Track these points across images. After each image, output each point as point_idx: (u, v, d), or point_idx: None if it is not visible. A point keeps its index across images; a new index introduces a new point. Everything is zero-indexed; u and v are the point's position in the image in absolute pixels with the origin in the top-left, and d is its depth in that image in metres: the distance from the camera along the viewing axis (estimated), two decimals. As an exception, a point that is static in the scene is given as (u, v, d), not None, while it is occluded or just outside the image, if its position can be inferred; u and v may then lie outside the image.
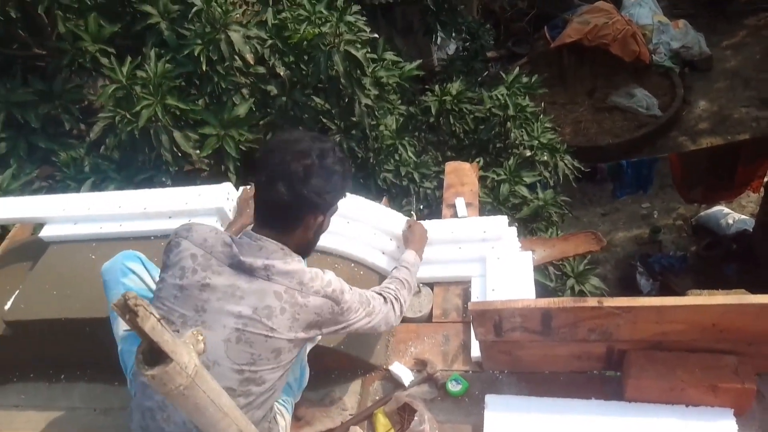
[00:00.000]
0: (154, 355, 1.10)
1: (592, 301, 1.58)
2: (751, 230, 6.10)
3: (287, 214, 1.50)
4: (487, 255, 2.12)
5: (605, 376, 1.81)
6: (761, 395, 1.66)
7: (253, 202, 1.57)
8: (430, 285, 2.20)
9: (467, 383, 1.87)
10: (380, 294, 1.73)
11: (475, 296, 2.07)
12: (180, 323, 1.47)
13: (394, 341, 2.07)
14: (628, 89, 7.74)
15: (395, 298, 1.75)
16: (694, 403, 1.60)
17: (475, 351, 1.91)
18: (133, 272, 1.76)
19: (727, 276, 5.81)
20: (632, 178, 6.45)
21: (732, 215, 6.36)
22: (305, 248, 1.61)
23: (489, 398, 1.79)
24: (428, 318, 2.12)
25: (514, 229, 2.21)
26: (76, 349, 2.05)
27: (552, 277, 3.86)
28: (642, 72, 7.89)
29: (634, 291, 6.05)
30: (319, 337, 1.67)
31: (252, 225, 1.61)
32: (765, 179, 6.11)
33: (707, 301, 1.48)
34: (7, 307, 2.07)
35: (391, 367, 1.98)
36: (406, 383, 1.94)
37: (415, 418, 1.76)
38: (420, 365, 1.99)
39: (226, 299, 1.46)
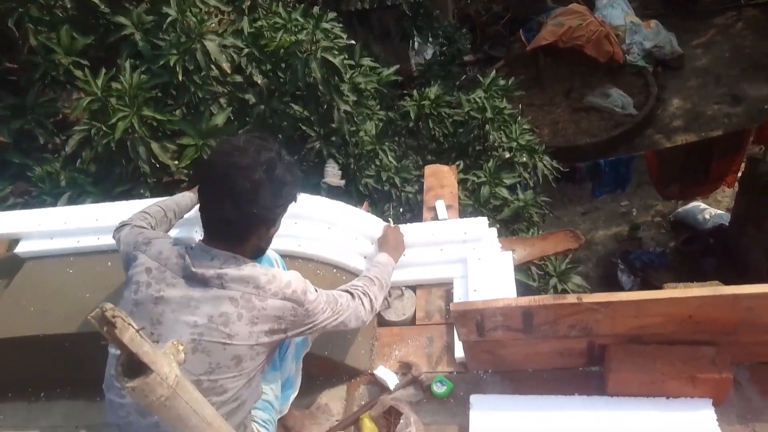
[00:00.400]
0: (134, 366, 1.09)
1: (571, 298, 1.60)
2: (728, 224, 6.22)
3: (237, 230, 1.47)
4: (468, 256, 2.13)
5: (588, 372, 1.83)
6: (738, 384, 1.69)
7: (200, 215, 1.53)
8: (413, 288, 2.21)
9: (452, 384, 1.88)
10: (347, 291, 1.72)
11: (458, 297, 2.08)
12: None
13: (379, 345, 2.08)
14: (604, 89, 7.87)
15: (363, 294, 1.73)
16: (674, 394, 1.63)
17: (459, 352, 1.92)
18: None
19: (706, 270, 5.90)
20: (610, 177, 6.54)
21: (709, 210, 6.48)
22: (259, 252, 1.61)
23: (474, 398, 1.80)
24: (412, 321, 2.13)
25: (494, 230, 2.23)
26: (55, 366, 2.02)
27: (535, 277, 3.90)
28: (616, 72, 8.04)
29: (616, 288, 6.12)
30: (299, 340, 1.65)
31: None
32: (738, 174, 6.23)
33: (683, 294, 1.51)
34: (-18, 325, 2.03)
35: (376, 372, 1.98)
36: (392, 387, 1.94)
37: (401, 421, 1.76)
38: (405, 368, 1.99)
39: (181, 310, 1.43)
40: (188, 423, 1.20)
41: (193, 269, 1.44)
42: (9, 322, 2.00)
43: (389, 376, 1.96)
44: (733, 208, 6.27)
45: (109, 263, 2.11)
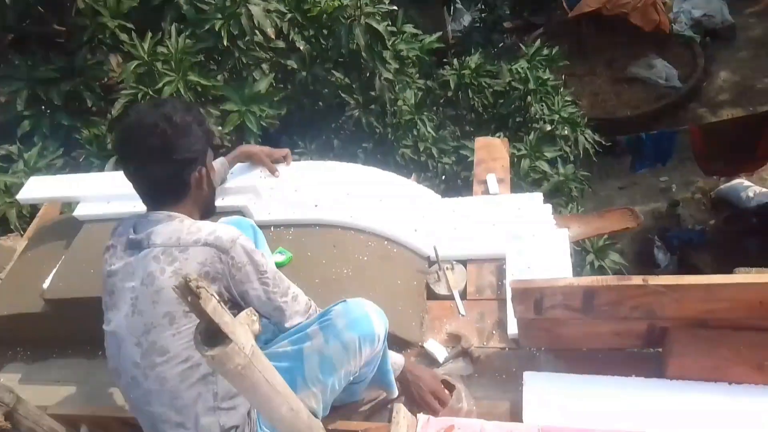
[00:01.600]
0: (212, 335, 1.10)
1: (636, 279, 1.56)
2: (773, 203, 6.02)
3: (172, 185, 1.52)
4: (522, 232, 2.10)
5: (644, 354, 1.80)
6: (805, 373, 1.65)
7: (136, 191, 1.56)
8: (463, 262, 2.19)
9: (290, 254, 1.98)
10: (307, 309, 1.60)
11: (510, 274, 2.05)
12: (104, 309, 1.54)
13: (429, 318, 2.08)
14: (648, 60, 7.58)
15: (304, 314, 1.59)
16: (738, 380, 1.60)
17: (512, 328, 1.91)
18: None
19: (748, 250, 5.75)
20: (651, 151, 6.36)
21: (753, 188, 6.27)
22: (207, 206, 1.64)
23: (527, 375, 1.79)
24: (462, 295, 2.12)
25: (549, 207, 2.19)
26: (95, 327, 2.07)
27: (572, 252, 3.85)
28: (662, 42, 7.72)
29: (652, 265, 6.02)
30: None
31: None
32: (788, 152, 6.00)
33: (757, 279, 1.47)
34: (45, 285, 2.09)
35: (425, 344, 1.98)
36: (441, 359, 1.95)
37: (453, 396, 1.77)
38: (454, 340, 1.99)
39: (125, 278, 1.48)
40: (260, 390, 1.22)
41: (130, 236, 1.49)
42: (70, 283, 2.05)
43: (438, 350, 1.96)
44: (779, 187, 6.06)
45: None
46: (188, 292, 1.02)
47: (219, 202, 2.04)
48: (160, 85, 3.00)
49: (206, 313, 1.04)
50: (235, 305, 1.52)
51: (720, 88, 7.56)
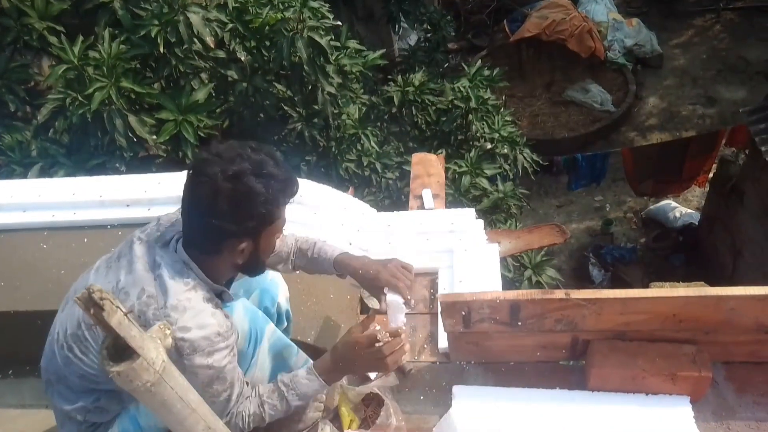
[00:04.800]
0: (119, 350, 1.05)
1: (559, 293, 1.60)
2: (697, 223, 6.38)
3: (201, 240, 1.38)
4: (455, 247, 2.12)
5: (569, 366, 1.85)
6: (714, 382, 1.73)
7: None
8: (397, 276, 2.18)
9: None
10: (260, 404, 1.50)
11: (443, 288, 2.07)
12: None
13: (361, 333, 2.05)
14: (584, 84, 7.95)
15: (259, 405, 1.50)
16: (654, 391, 1.65)
17: (443, 342, 1.91)
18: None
19: (675, 267, 6.07)
20: (587, 171, 6.64)
21: (679, 209, 6.63)
22: (246, 272, 1.51)
23: (456, 389, 1.80)
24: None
25: (481, 222, 2.22)
26: (25, 344, 1.94)
27: (510, 268, 3.94)
28: (597, 68, 8.12)
29: (587, 281, 6.25)
30: None
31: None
32: (710, 175, 6.39)
33: (669, 293, 1.53)
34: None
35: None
36: (372, 375, 1.93)
37: (382, 411, 1.75)
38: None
39: (121, 254, 1.45)
40: (172, 409, 1.16)
41: (164, 234, 1.43)
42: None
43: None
44: (703, 208, 6.43)
45: (86, 240, 2.04)
46: (91, 304, 0.96)
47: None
48: (90, 90, 2.88)
49: (111, 327, 0.98)
50: None
51: (649, 113, 8.00)
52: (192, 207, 1.35)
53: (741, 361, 1.76)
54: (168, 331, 1.15)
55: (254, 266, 1.50)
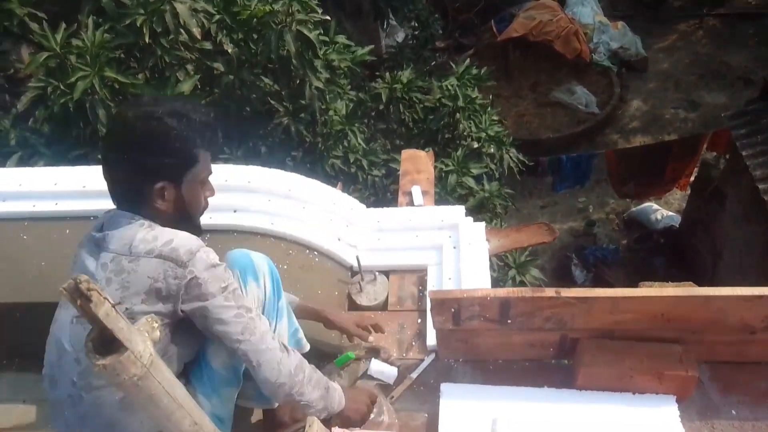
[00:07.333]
0: (106, 343, 1.01)
1: (549, 292, 1.60)
2: (678, 226, 6.47)
3: (125, 188, 1.34)
4: (444, 244, 2.12)
5: (557, 364, 1.85)
6: (699, 382, 1.74)
7: None
8: (386, 273, 2.17)
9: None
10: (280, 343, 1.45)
11: (431, 285, 2.06)
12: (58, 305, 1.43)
13: (349, 329, 2.03)
14: (569, 86, 8.01)
15: (297, 358, 1.47)
16: (641, 390, 1.66)
17: (431, 339, 1.90)
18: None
19: (655, 268, 6.14)
20: (571, 173, 6.69)
21: (661, 211, 6.72)
22: (177, 225, 1.38)
23: (444, 386, 1.79)
24: (383, 306, 2.10)
25: (470, 219, 2.22)
26: (3, 337, 1.89)
27: (495, 267, 3.95)
28: (582, 69, 8.19)
29: (569, 281, 6.30)
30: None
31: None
32: (691, 178, 6.48)
33: (659, 292, 1.54)
34: None
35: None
36: (371, 372, 1.91)
37: (374, 409, 1.73)
38: (373, 353, 1.96)
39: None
40: (159, 404, 1.14)
41: (94, 234, 1.36)
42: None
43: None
44: (684, 211, 6.53)
45: (68, 231, 1.98)
46: (78, 295, 0.93)
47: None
48: (73, 79, 2.81)
49: (98, 319, 0.95)
50: (187, 330, 1.37)
51: (633, 116, 8.09)
52: (109, 151, 1.35)
53: (726, 362, 1.78)
54: (156, 324, 1.12)
55: (184, 219, 1.41)
